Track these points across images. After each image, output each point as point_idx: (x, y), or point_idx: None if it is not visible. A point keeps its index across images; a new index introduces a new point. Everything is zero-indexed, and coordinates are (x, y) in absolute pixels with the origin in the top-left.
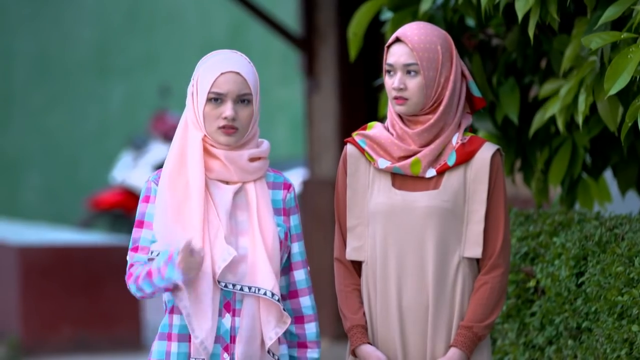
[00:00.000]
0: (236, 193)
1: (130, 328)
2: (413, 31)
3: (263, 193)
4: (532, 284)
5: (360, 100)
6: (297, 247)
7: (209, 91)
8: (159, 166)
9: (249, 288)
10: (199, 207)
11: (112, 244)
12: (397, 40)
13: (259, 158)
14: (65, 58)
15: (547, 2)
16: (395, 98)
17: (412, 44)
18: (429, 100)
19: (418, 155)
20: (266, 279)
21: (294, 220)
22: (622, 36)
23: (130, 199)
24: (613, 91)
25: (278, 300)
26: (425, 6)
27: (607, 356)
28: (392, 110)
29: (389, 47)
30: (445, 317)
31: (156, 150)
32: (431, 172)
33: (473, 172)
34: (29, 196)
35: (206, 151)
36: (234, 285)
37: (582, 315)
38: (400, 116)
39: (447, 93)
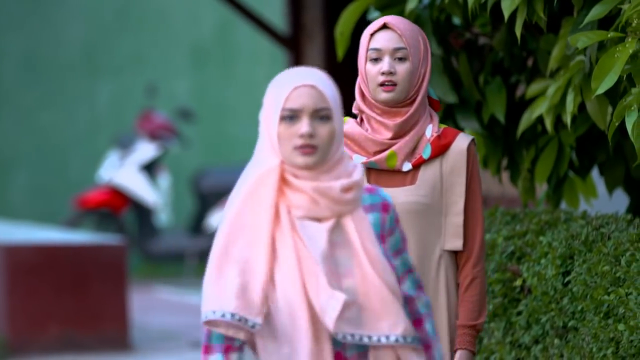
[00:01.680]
0: (331, 230)
1: (117, 327)
2: (397, 20)
3: (363, 225)
4: (518, 283)
5: (348, 99)
6: (399, 260)
7: (282, 109)
8: (146, 165)
9: (377, 338)
10: (263, 265)
11: (99, 243)
12: (384, 26)
13: (355, 186)
14: (54, 57)
15: (533, 1)
16: (383, 84)
17: (400, 30)
18: (412, 89)
19: (393, 148)
20: (393, 322)
21: (394, 238)
22: (608, 35)
23: (117, 198)
24: (600, 90)
25: (413, 341)
26: (411, 5)
27: (594, 355)
28: (368, 103)
29: (373, 34)
30: None
31: (142, 149)
32: (407, 166)
33: (449, 164)
34: (17, 195)
35: (288, 185)
36: (352, 336)
37: (569, 314)
38: (378, 108)
39: (425, 85)
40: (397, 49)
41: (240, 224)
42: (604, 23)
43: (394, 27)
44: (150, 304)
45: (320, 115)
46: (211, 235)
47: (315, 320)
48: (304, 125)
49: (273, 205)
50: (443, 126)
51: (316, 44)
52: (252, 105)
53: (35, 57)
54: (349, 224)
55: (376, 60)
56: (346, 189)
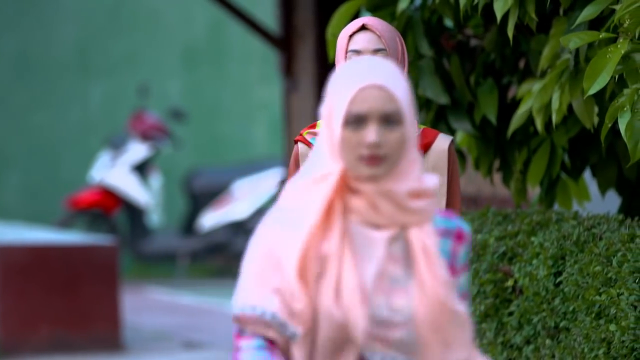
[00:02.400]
0: (391, 241)
1: (109, 327)
2: (375, 21)
3: (431, 242)
4: (510, 283)
5: None
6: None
7: (345, 112)
8: (137, 166)
9: None
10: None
11: (90, 244)
12: (362, 28)
13: (425, 194)
14: (46, 58)
15: (525, 2)
16: None
17: (379, 31)
18: None
19: None
20: (458, 350)
21: (465, 278)
22: (600, 36)
23: (108, 198)
24: (592, 91)
25: None
26: (403, 6)
27: (585, 355)
28: None
29: (351, 35)
30: None
31: (134, 149)
32: None
33: (431, 164)
34: (9, 195)
35: (348, 187)
36: None
37: (560, 314)
38: None
39: None
40: (376, 50)
41: (286, 220)
42: (595, 23)
43: (373, 28)
44: (142, 305)
45: (390, 119)
46: (203, 236)
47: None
48: (370, 133)
49: (326, 203)
50: (422, 126)
51: (308, 45)
52: (244, 106)
53: (27, 57)
54: (414, 237)
55: None
56: (413, 195)
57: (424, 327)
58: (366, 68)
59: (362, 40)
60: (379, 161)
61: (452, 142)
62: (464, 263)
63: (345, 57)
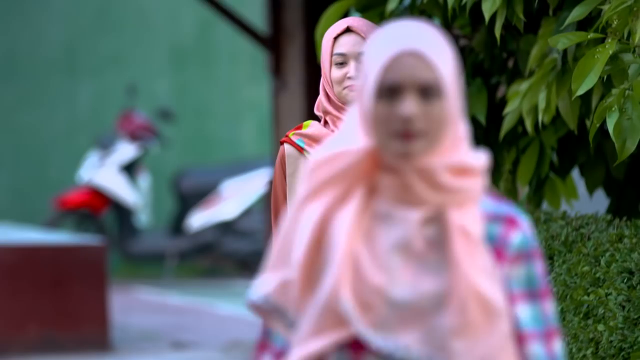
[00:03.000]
0: (425, 222)
1: (97, 328)
2: (360, 22)
3: (474, 226)
4: None
5: None
6: (526, 312)
7: (378, 82)
8: (126, 166)
9: None
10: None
11: (79, 244)
12: (348, 30)
13: (468, 172)
14: (34, 57)
15: (513, 2)
16: (350, 87)
17: (364, 33)
18: None
19: None
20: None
21: (525, 272)
22: (588, 36)
23: (96, 198)
24: (580, 91)
25: None
26: (391, 6)
27: (573, 355)
28: (334, 104)
29: (336, 37)
30: None
31: (122, 149)
32: None
33: None
34: None
35: (378, 164)
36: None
37: None
38: (344, 109)
39: None
40: (362, 53)
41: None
42: (583, 23)
43: (358, 30)
44: (130, 305)
45: (428, 91)
46: (191, 236)
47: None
48: (405, 106)
49: (347, 180)
50: None
51: (296, 45)
52: (232, 106)
53: (15, 57)
54: (453, 219)
55: (341, 64)
56: (455, 171)
57: (453, 319)
58: (403, 32)
59: (348, 43)
60: (414, 137)
61: None
62: (522, 252)
63: (331, 60)
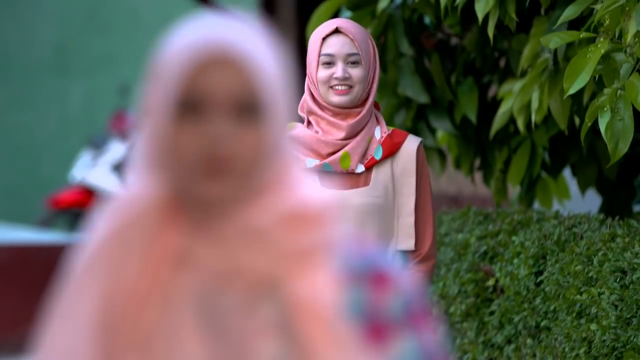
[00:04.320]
0: (257, 303)
1: None
2: (348, 24)
3: (327, 294)
4: (491, 282)
5: None
6: None
7: (171, 96)
8: (118, 165)
9: None
10: None
11: (71, 243)
12: (336, 31)
13: (308, 221)
14: (25, 57)
15: (505, 2)
16: (337, 88)
17: (352, 35)
18: (364, 93)
19: (346, 148)
20: None
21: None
22: (580, 36)
23: (89, 198)
24: (572, 91)
25: None
26: (383, 4)
27: (566, 355)
28: (319, 105)
29: (325, 38)
30: None
31: (115, 149)
32: (360, 168)
33: (400, 165)
34: None
35: (177, 220)
36: None
37: (541, 314)
38: (329, 110)
39: (375, 86)
40: (350, 54)
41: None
42: (574, 22)
43: (346, 31)
44: None
45: (245, 111)
46: None
47: None
48: (212, 128)
49: (134, 245)
50: (391, 128)
51: (288, 44)
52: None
53: (6, 57)
54: (295, 292)
55: (329, 64)
56: (289, 223)
57: None
58: (211, 31)
59: (336, 44)
60: (224, 173)
61: (421, 143)
62: (402, 321)
63: (318, 60)
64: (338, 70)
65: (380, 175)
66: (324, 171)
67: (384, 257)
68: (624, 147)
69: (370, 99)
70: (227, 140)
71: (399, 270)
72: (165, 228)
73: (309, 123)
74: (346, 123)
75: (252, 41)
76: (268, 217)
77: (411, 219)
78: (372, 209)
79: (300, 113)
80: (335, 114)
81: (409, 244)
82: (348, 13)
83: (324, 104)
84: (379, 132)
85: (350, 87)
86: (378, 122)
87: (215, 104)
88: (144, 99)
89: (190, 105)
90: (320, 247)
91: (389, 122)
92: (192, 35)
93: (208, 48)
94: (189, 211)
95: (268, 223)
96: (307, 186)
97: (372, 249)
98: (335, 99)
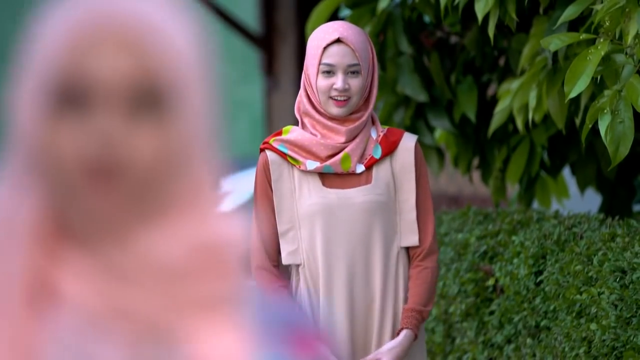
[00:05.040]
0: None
1: None
2: (349, 31)
3: (236, 356)
4: (490, 282)
5: None
6: None
7: (50, 81)
8: None
9: None
10: None
11: None
12: (338, 40)
13: (215, 255)
14: None
15: (505, 2)
16: (336, 99)
17: (353, 45)
18: (362, 100)
19: (346, 150)
20: None
21: None
22: (580, 37)
23: None
24: (573, 94)
25: None
26: (383, 4)
27: (566, 354)
28: (317, 110)
29: (325, 47)
30: (390, 308)
31: None
32: (360, 168)
33: (399, 162)
34: None
35: (56, 245)
36: None
37: (541, 313)
38: (326, 115)
39: (374, 91)
40: (350, 65)
41: None
42: (574, 22)
43: (348, 42)
44: None
45: (143, 101)
46: None
47: None
48: (100, 122)
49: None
50: (385, 127)
51: (288, 44)
52: (225, 105)
53: (6, 56)
54: (194, 351)
55: (328, 73)
56: (197, 263)
57: None
58: (99, 1)
59: (337, 55)
60: (112, 183)
61: (418, 140)
62: None
63: (318, 67)
64: (338, 81)
65: (381, 173)
66: (325, 173)
67: (302, 313)
68: (624, 151)
69: (371, 105)
70: (118, 140)
71: (319, 330)
72: (35, 256)
73: (303, 124)
74: (345, 127)
75: (157, 12)
76: (172, 249)
77: (413, 215)
78: (376, 206)
79: (297, 114)
80: (331, 118)
81: (413, 240)
82: (347, 11)
83: (322, 110)
84: (375, 132)
85: (349, 97)
86: (373, 122)
87: (104, 94)
88: (14, 89)
89: (72, 95)
90: (232, 296)
91: (388, 121)
92: (74, 6)
93: (95, 21)
94: (71, 233)
95: (172, 257)
96: (220, 212)
97: (287, 302)
98: (335, 110)
